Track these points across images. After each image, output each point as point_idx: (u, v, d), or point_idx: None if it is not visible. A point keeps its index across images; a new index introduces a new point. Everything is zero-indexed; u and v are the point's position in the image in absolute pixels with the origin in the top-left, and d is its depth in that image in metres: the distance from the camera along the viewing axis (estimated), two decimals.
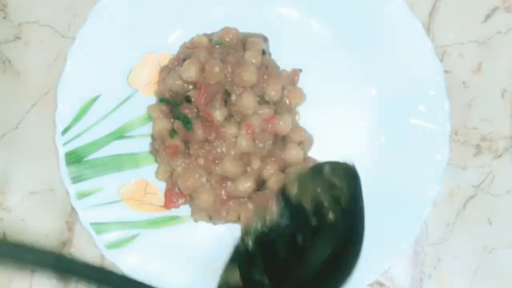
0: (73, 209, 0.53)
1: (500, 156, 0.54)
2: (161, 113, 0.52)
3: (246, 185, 0.50)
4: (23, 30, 0.56)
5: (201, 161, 0.50)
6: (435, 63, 0.53)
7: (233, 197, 0.50)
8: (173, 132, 0.51)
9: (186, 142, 0.51)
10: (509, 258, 0.53)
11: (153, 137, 0.53)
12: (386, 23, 0.53)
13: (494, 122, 0.55)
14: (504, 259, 0.53)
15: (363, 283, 0.52)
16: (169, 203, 0.52)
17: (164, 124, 0.52)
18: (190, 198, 0.51)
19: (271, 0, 0.54)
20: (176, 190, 0.52)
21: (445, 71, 0.53)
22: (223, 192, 0.50)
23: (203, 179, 0.50)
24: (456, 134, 0.55)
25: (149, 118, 0.53)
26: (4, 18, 0.56)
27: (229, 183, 0.50)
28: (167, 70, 0.53)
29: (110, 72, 0.53)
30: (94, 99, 0.53)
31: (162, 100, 0.53)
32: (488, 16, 0.56)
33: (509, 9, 0.56)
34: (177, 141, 0.51)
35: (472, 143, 0.55)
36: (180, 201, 0.52)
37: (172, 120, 0.52)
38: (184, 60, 0.51)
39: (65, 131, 0.52)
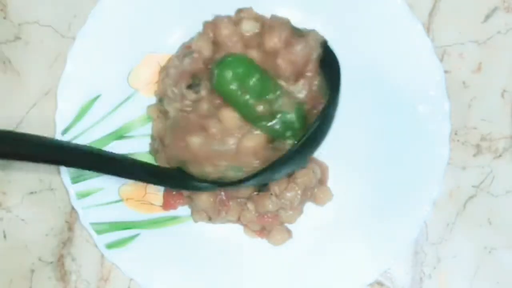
0: (73, 209, 0.53)
1: (500, 156, 0.55)
2: (160, 113, 0.52)
3: None
4: (23, 30, 0.56)
5: None
6: (435, 63, 0.53)
7: (233, 197, 0.50)
8: None
9: None
10: (509, 258, 0.53)
11: (152, 137, 0.53)
12: (386, 23, 0.53)
13: (494, 122, 0.55)
14: (504, 259, 0.53)
15: (363, 283, 0.52)
16: (166, 205, 0.52)
17: (164, 124, 0.52)
18: (188, 199, 0.51)
19: (271, 0, 0.54)
20: (174, 192, 0.52)
21: (445, 71, 0.53)
22: (222, 193, 0.50)
23: None
24: (456, 134, 0.55)
25: (149, 118, 0.53)
26: (4, 18, 0.56)
27: None
28: (166, 70, 0.53)
29: (110, 72, 0.53)
30: (94, 99, 0.53)
31: (161, 100, 0.53)
32: (488, 16, 0.56)
33: (509, 9, 0.56)
34: None
35: (472, 143, 0.55)
36: (178, 203, 0.52)
37: None
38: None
39: (65, 131, 0.52)
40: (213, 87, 0.47)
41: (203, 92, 0.48)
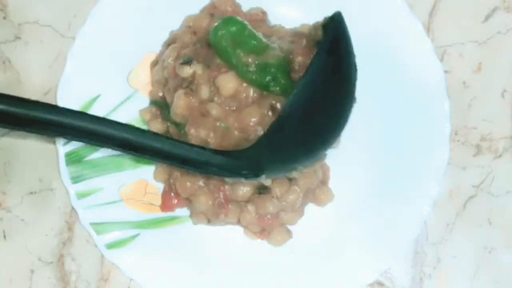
0: (73, 209, 0.53)
1: (500, 156, 0.55)
2: (152, 115, 0.52)
3: (244, 189, 0.49)
4: (23, 30, 0.56)
5: None
6: (435, 63, 0.53)
7: (232, 200, 0.50)
8: (168, 134, 0.51)
9: None
10: (509, 258, 0.53)
11: None
12: (386, 23, 0.53)
13: (494, 122, 0.55)
14: (504, 259, 0.53)
15: (363, 283, 0.52)
16: (165, 206, 0.52)
17: (158, 126, 0.52)
18: (187, 201, 0.51)
19: (271, 0, 0.54)
20: (172, 194, 0.52)
21: (445, 71, 0.53)
22: (221, 195, 0.50)
23: (200, 182, 0.50)
24: (456, 134, 0.55)
25: None
26: (4, 18, 0.56)
27: (227, 187, 0.49)
28: (154, 63, 0.53)
29: (110, 72, 0.53)
30: (94, 99, 0.53)
31: (153, 102, 0.53)
32: (488, 16, 0.56)
33: (509, 9, 0.56)
34: None
35: (472, 143, 0.55)
36: (176, 205, 0.52)
37: (167, 122, 0.52)
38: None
39: None
40: (210, 44, 0.49)
41: (197, 67, 0.49)
